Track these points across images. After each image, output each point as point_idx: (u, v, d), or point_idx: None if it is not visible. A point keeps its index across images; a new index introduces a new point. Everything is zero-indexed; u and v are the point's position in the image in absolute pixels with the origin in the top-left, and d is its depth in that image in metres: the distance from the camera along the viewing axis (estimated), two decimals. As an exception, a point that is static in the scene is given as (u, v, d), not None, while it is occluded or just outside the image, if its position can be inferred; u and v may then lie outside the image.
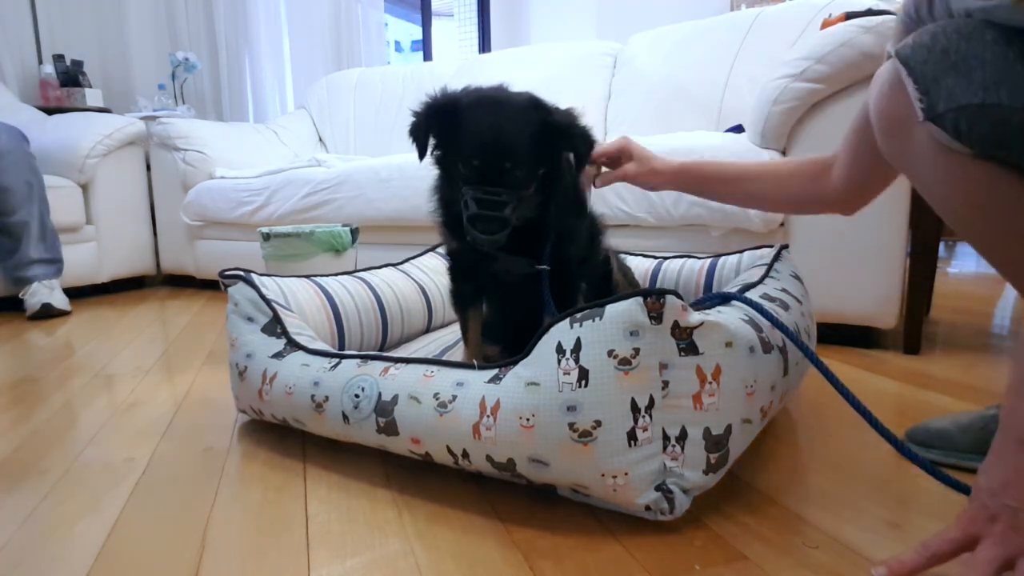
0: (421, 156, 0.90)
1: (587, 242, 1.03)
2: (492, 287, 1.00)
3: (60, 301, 2.13)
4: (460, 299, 1.05)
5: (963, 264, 3.17)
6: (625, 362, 0.67)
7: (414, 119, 0.89)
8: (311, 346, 0.97)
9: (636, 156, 1.06)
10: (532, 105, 0.88)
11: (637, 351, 0.67)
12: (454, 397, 0.76)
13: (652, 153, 1.07)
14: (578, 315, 0.71)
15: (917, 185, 0.68)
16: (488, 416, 0.72)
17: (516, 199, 0.84)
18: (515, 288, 0.97)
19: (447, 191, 0.94)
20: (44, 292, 2.11)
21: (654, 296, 0.67)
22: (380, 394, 0.82)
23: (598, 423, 0.67)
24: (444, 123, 0.88)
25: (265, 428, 1.05)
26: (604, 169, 1.09)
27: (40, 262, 2.15)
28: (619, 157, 1.08)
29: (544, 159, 0.88)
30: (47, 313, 2.09)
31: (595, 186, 1.09)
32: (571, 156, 0.94)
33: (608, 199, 1.66)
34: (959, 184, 0.61)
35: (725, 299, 0.82)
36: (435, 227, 0.99)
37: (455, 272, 1.04)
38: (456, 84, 0.93)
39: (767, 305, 0.90)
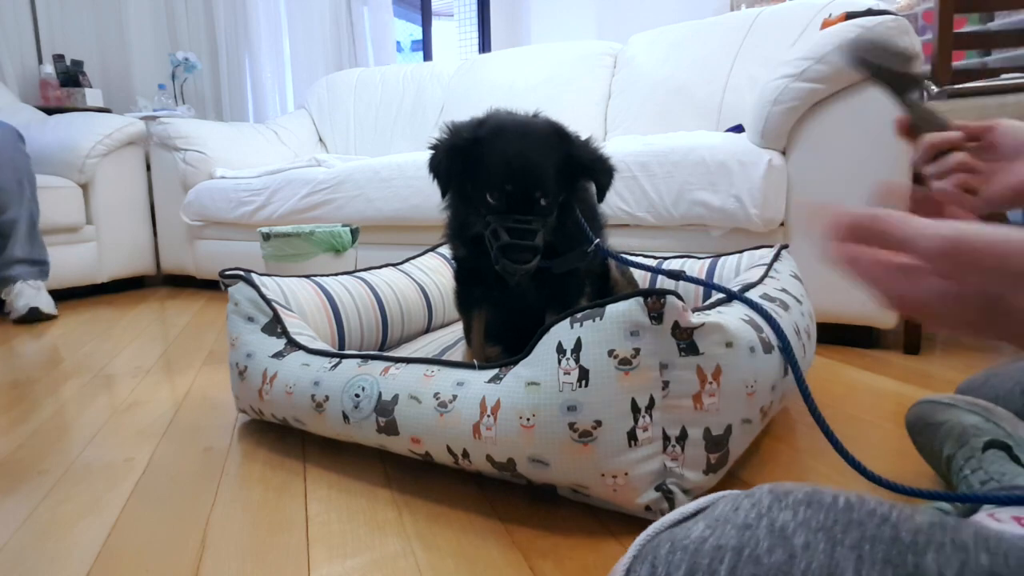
0: (444, 192, 0.90)
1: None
2: (497, 290, 1.00)
3: (47, 304, 2.05)
4: (465, 301, 1.05)
5: (963, 264, 3.16)
6: (625, 362, 0.67)
7: (433, 154, 0.89)
8: (311, 346, 0.97)
9: None
10: (555, 134, 0.88)
11: (637, 351, 0.67)
12: (454, 397, 0.76)
13: None
14: (578, 315, 0.71)
15: None
16: (488, 416, 0.72)
17: (543, 226, 0.85)
18: (519, 291, 0.97)
19: (463, 213, 0.94)
20: (30, 293, 2.03)
21: (655, 296, 0.67)
22: (380, 394, 0.82)
23: (598, 423, 0.67)
24: (465, 155, 0.87)
25: (265, 428, 1.05)
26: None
27: (24, 262, 2.07)
28: (979, 139, 0.62)
29: (565, 187, 0.89)
30: (34, 317, 2.01)
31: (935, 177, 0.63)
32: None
33: (608, 199, 1.65)
34: None
35: (730, 297, 0.83)
36: (445, 238, 0.99)
37: (461, 276, 1.04)
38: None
39: (767, 305, 0.90)
